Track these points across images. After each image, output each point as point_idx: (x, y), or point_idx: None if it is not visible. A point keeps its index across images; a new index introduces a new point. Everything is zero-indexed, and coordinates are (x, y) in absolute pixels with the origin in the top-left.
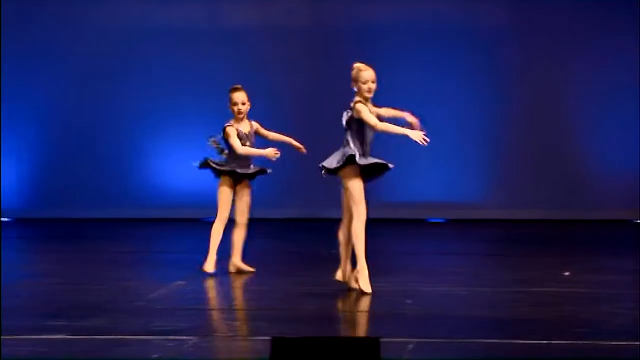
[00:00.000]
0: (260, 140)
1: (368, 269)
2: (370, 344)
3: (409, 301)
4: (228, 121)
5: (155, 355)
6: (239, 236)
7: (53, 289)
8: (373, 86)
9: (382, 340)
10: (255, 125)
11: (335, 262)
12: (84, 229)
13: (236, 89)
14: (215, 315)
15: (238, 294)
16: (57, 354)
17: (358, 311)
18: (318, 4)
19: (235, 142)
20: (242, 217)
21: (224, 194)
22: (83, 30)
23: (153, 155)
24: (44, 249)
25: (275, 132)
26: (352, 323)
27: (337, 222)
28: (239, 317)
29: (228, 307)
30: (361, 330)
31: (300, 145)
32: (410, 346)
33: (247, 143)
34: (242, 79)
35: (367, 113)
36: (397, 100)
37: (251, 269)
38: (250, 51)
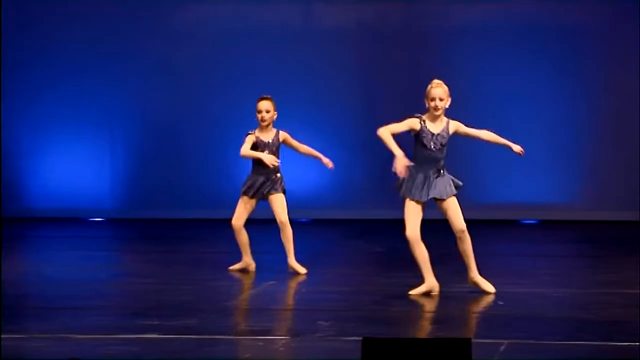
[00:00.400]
0: (289, 151)
1: (460, 271)
2: (462, 344)
3: (500, 302)
4: (254, 129)
5: (246, 355)
6: (285, 237)
7: (144, 289)
8: (440, 104)
9: (473, 341)
10: (284, 135)
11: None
12: (176, 230)
13: (262, 98)
14: (306, 315)
15: (328, 294)
16: (148, 353)
17: (449, 312)
18: (411, 5)
19: (243, 147)
20: (281, 216)
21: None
22: (177, 31)
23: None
24: (136, 249)
25: (306, 145)
26: (443, 324)
27: (427, 222)
28: (330, 317)
29: (318, 308)
30: (452, 331)
31: (328, 161)
32: (502, 347)
33: (266, 151)
34: (335, 81)
35: (400, 124)
36: (489, 101)
37: (304, 270)
38: (345, 52)
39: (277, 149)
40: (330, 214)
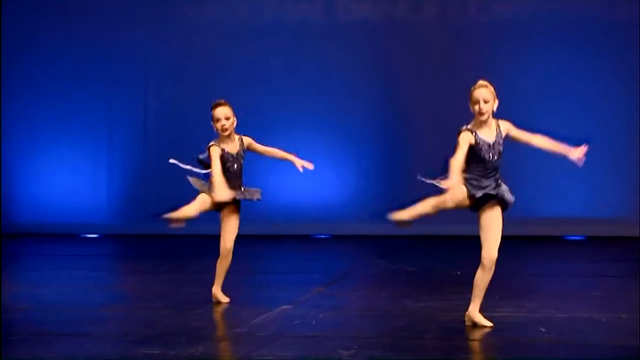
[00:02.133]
0: (254, 157)
1: (499, 291)
2: None
3: (542, 329)
4: (214, 140)
5: None
6: (223, 265)
7: (145, 313)
8: (486, 107)
9: None
10: (247, 141)
11: (459, 285)
12: (180, 246)
13: (218, 104)
14: (325, 343)
15: (352, 319)
16: None
17: (486, 340)
18: None
19: (214, 166)
20: (225, 243)
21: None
22: (186, 32)
23: (261, 165)
24: (135, 269)
25: (272, 147)
26: (479, 353)
27: (454, 239)
28: (352, 344)
29: (339, 335)
30: None
31: (304, 163)
32: None
33: (235, 165)
34: (360, 83)
35: (461, 147)
36: (529, 102)
37: (227, 299)
38: (369, 47)
39: (244, 158)
40: (353, 229)
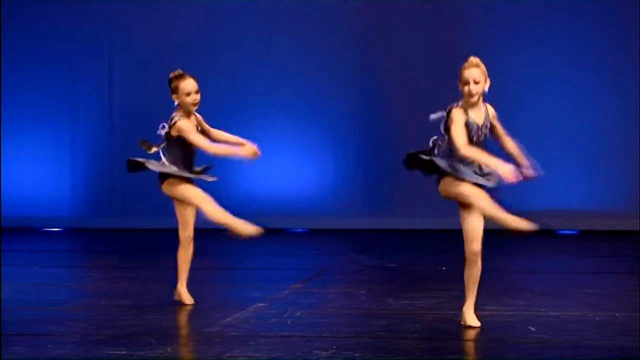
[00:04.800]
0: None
1: (486, 288)
2: None
3: (532, 328)
4: (175, 113)
5: None
6: (187, 256)
7: (111, 312)
8: (476, 88)
9: None
10: (199, 119)
11: (444, 282)
12: (147, 241)
13: (185, 76)
14: (302, 343)
15: (330, 318)
16: None
17: (472, 340)
18: None
19: (199, 140)
20: (187, 232)
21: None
22: (161, 11)
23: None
24: (100, 264)
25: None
26: (466, 354)
27: (438, 233)
28: (330, 345)
29: (316, 334)
30: None
31: (249, 147)
32: None
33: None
34: (338, 68)
35: (458, 127)
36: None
37: (191, 301)
38: (348, 29)
39: None
40: (331, 223)
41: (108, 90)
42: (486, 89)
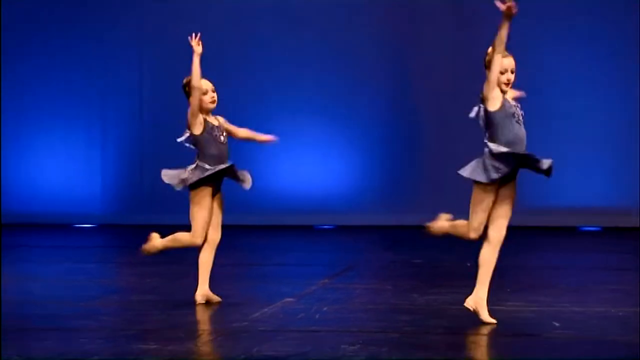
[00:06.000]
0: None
1: (511, 284)
2: None
3: (556, 324)
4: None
5: None
6: (209, 258)
7: (141, 307)
8: (512, 77)
9: None
10: (221, 120)
11: (470, 277)
12: None
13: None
14: (328, 338)
15: (356, 313)
16: None
17: (497, 335)
18: None
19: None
20: (216, 234)
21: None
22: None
23: (260, 156)
24: (131, 261)
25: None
26: (490, 349)
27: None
28: (356, 340)
29: (343, 329)
30: (500, 357)
31: (267, 137)
32: None
33: (222, 138)
34: (363, 68)
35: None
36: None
37: (219, 299)
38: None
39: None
40: (358, 219)
41: (138, 90)
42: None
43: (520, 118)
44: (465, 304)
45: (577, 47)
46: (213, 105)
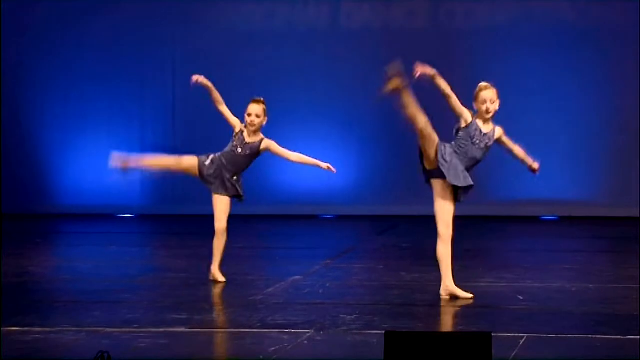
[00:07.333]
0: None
1: (483, 264)
2: (482, 339)
3: (520, 297)
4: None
5: (271, 349)
6: (220, 244)
7: (174, 284)
8: (492, 107)
9: (493, 335)
10: (268, 143)
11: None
12: (206, 226)
13: (254, 101)
14: (330, 309)
15: (354, 288)
16: (176, 346)
17: (470, 307)
18: (437, 4)
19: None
20: (221, 223)
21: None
22: (205, 30)
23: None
24: (166, 245)
25: (298, 152)
26: (464, 318)
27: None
28: (354, 311)
29: (343, 302)
30: (473, 325)
31: (329, 165)
32: (522, 341)
33: (239, 149)
34: (362, 80)
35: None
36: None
37: (223, 279)
38: (371, 52)
39: (254, 156)
40: (355, 210)
41: (172, 94)
42: (497, 108)
43: (481, 145)
44: (441, 295)
45: (546, 58)
46: (251, 128)
